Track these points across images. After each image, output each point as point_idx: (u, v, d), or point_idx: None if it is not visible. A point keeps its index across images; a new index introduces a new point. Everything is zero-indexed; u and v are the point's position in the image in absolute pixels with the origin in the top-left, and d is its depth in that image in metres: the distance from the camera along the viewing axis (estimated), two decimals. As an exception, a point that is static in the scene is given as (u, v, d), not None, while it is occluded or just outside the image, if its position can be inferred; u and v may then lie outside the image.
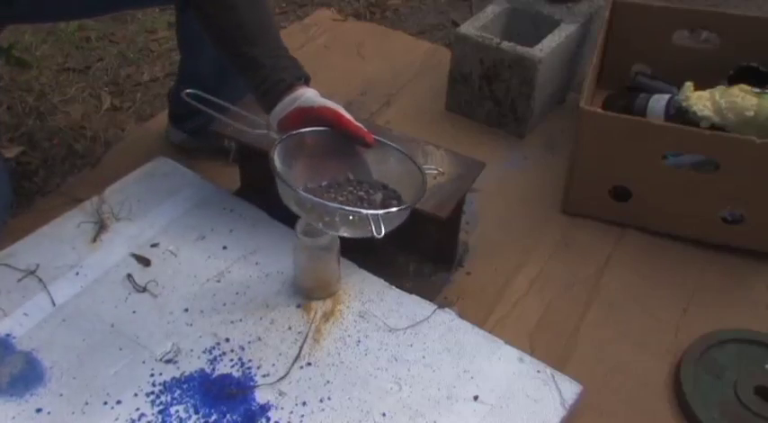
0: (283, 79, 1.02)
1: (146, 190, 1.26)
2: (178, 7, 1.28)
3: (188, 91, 1.07)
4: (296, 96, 1.02)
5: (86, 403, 0.97)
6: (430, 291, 1.17)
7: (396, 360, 1.04)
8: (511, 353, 1.05)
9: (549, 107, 1.57)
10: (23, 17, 1.26)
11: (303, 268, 1.10)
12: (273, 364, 1.02)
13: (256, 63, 1.03)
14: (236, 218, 1.23)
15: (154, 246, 1.18)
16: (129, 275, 1.13)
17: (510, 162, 1.47)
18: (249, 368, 1.02)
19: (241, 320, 1.07)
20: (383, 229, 0.92)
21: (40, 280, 1.11)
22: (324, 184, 1.04)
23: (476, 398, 0.99)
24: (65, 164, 1.47)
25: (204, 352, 1.03)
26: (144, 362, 1.02)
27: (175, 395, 0.98)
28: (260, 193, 1.20)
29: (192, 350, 1.04)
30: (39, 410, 0.96)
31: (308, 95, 1.03)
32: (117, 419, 0.95)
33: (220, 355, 1.03)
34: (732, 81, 1.36)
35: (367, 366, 1.03)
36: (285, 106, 1.02)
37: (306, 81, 1.05)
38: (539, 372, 1.03)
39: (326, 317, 1.09)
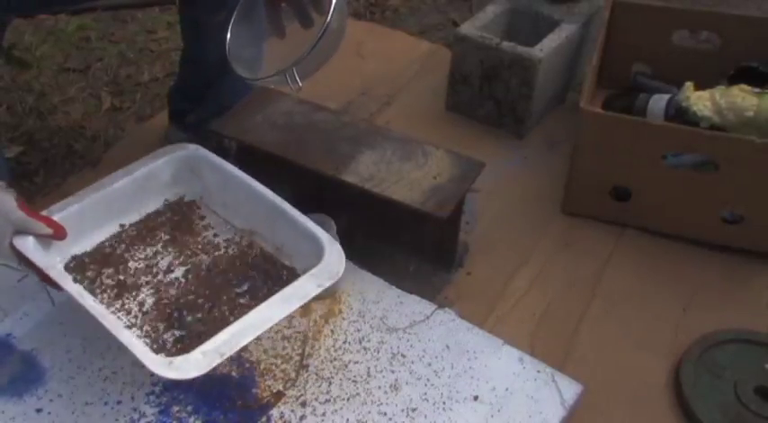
0: None
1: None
2: None
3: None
4: None
5: (86, 403, 0.97)
6: (430, 291, 1.17)
7: (395, 360, 1.04)
8: (511, 353, 1.05)
9: (549, 107, 1.57)
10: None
11: None
12: (273, 364, 1.02)
13: None
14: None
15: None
16: (129, 275, 1.13)
17: (510, 162, 1.47)
18: (249, 368, 1.02)
19: (241, 320, 1.07)
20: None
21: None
22: None
23: (476, 398, 0.99)
24: (65, 164, 1.47)
25: (204, 352, 1.03)
26: (144, 362, 1.02)
27: (175, 395, 0.98)
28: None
29: (191, 350, 1.03)
30: (39, 410, 0.96)
31: None
32: (117, 419, 0.95)
33: (220, 355, 1.03)
34: (732, 81, 1.36)
35: (367, 366, 1.03)
36: None
37: None
38: (539, 372, 1.03)
39: (326, 317, 1.09)
